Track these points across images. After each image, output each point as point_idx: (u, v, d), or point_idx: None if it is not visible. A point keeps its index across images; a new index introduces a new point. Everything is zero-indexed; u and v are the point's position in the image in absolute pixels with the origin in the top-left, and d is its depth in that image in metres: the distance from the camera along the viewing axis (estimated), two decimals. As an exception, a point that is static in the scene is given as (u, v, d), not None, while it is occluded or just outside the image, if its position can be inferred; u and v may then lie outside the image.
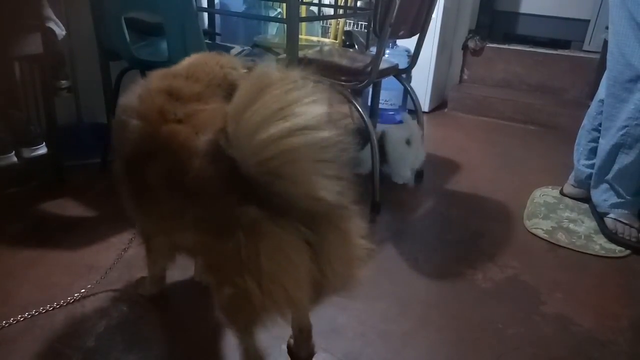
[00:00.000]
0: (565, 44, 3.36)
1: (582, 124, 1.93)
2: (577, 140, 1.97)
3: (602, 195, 1.79)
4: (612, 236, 1.70)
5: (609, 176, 1.76)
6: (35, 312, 1.18)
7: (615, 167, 1.72)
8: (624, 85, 1.64)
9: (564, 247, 1.66)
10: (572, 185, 2.01)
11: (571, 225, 1.80)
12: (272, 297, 0.81)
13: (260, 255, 0.78)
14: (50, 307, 1.20)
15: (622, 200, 1.73)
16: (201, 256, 0.95)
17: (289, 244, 0.79)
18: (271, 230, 0.77)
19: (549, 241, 1.69)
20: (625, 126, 1.65)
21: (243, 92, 0.75)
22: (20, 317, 1.17)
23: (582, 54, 3.20)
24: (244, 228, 0.78)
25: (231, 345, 1.15)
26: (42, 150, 1.76)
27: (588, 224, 1.81)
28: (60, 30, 1.82)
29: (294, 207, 0.76)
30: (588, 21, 3.24)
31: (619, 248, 1.66)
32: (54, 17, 1.80)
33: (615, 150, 1.71)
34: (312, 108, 0.73)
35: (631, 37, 1.58)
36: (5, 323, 1.15)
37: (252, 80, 0.76)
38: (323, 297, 0.89)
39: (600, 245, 1.68)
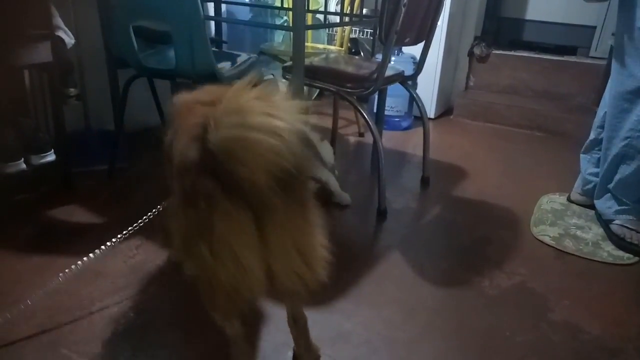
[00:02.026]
0: (571, 50, 3.35)
1: (592, 137, 1.93)
2: (582, 150, 1.97)
3: (606, 204, 1.79)
4: (619, 242, 1.69)
5: (611, 185, 1.75)
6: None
7: (617, 177, 1.71)
8: (625, 96, 1.64)
9: (572, 254, 1.65)
10: (579, 193, 2.00)
11: (578, 232, 1.79)
12: (223, 264, 0.89)
13: (213, 223, 0.88)
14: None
15: (626, 207, 1.73)
16: (178, 232, 1.01)
17: (238, 216, 0.88)
18: (223, 201, 0.87)
19: (556, 248, 1.68)
20: (628, 137, 1.64)
21: (232, 93, 0.86)
22: (29, 322, 1.18)
23: (588, 61, 3.19)
24: (204, 197, 0.88)
25: (237, 352, 1.15)
26: (51, 157, 1.77)
27: (595, 231, 1.80)
28: (69, 39, 1.84)
29: (245, 188, 0.85)
30: (594, 27, 3.23)
31: (627, 255, 1.65)
32: (63, 26, 1.83)
33: (618, 161, 1.70)
34: (287, 118, 0.82)
35: (633, 47, 1.58)
36: (13, 329, 1.16)
37: (239, 90, 0.86)
38: (279, 286, 0.95)
39: (608, 252, 1.67)
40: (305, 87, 1.77)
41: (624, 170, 1.68)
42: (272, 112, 0.83)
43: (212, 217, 0.88)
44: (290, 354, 1.14)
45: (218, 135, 0.83)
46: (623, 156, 1.68)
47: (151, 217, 1.38)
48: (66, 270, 1.29)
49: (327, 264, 0.99)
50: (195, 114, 0.98)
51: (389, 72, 1.89)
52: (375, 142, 1.86)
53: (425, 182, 2.18)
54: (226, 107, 0.85)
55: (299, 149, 0.83)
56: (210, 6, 2.51)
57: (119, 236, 1.35)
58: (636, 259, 1.63)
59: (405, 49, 2.84)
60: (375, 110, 2.34)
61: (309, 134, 0.88)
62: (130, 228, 1.37)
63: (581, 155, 1.98)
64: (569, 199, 2.04)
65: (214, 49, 2.12)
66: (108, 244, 1.32)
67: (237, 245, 0.90)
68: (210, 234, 0.89)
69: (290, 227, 0.93)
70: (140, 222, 1.38)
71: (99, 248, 1.32)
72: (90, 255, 1.29)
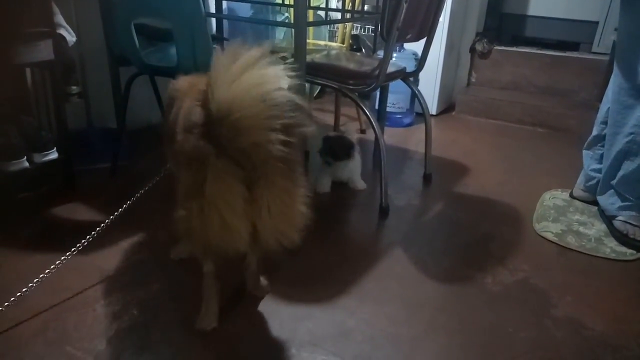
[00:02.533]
0: (573, 46, 3.34)
1: (595, 134, 1.92)
2: (585, 146, 1.97)
3: (609, 200, 1.78)
4: (622, 238, 1.69)
5: (614, 182, 1.75)
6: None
7: (620, 173, 1.71)
8: (629, 92, 1.63)
9: (574, 250, 1.65)
10: (582, 189, 1.99)
11: (581, 229, 1.79)
12: (209, 219, 0.99)
13: (205, 182, 0.97)
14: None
15: (629, 203, 1.72)
16: (178, 188, 1.10)
17: (228, 179, 0.97)
18: (216, 164, 0.96)
19: (558, 244, 1.68)
20: (631, 133, 1.64)
21: (221, 64, 0.93)
22: (33, 319, 1.18)
23: (590, 56, 3.18)
24: (199, 160, 0.98)
25: (241, 349, 1.15)
26: (53, 155, 1.77)
27: (598, 227, 1.80)
28: (70, 37, 1.84)
29: (239, 150, 0.94)
30: (597, 23, 3.22)
31: (629, 251, 1.65)
32: (65, 24, 1.83)
33: (621, 157, 1.70)
34: (277, 83, 0.91)
35: (636, 44, 1.57)
36: (18, 326, 1.16)
37: (228, 57, 0.93)
38: (261, 243, 1.04)
39: (611, 248, 1.66)
40: (306, 84, 1.77)
41: (628, 167, 1.68)
42: (263, 77, 0.91)
43: (204, 179, 0.97)
44: (294, 350, 1.15)
45: (215, 96, 0.91)
46: (627, 152, 1.67)
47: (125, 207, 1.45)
48: (57, 262, 1.29)
49: (304, 228, 1.07)
50: (194, 90, 1.09)
51: (390, 69, 1.89)
52: (377, 138, 1.86)
53: (427, 178, 2.18)
54: (222, 73, 0.92)
55: (288, 111, 0.92)
56: (212, 3, 2.51)
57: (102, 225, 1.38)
58: (639, 255, 1.63)
59: (407, 45, 2.83)
60: (377, 107, 2.34)
61: (296, 98, 0.95)
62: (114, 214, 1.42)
63: (584, 151, 1.97)
64: (571, 195, 2.03)
65: (215, 46, 2.11)
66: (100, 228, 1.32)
67: (225, 208, 0.98)
68: (202, 194, 0.98)
69: (279, 190, 1.01)
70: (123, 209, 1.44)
71: (89, 238, 1.34)
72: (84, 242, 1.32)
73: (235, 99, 0.91)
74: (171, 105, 1.24)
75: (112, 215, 1.41)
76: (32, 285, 1.25)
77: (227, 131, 0.92)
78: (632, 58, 1.60)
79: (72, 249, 1.34)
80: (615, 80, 1.70)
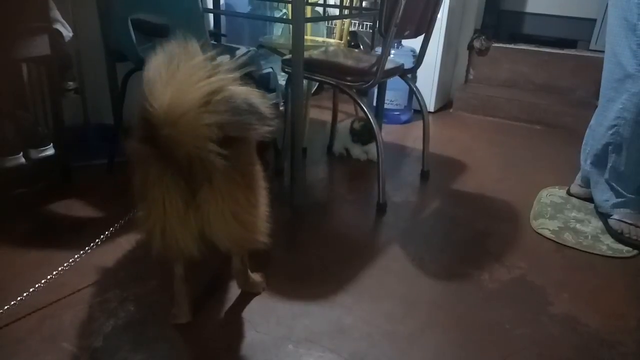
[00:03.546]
0: (571, 44, 3.34)
1: (590, 124, 1.92)
2: (584, 140, 1.96)
3: (603, 196, 1.78)
4: (618, 237, 1.69)
5: (606, 176, 1.75)
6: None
7: (609, 166, 1.72)
8: (613, 84, 1.64)
9: (571, 248, 1.65)
10: (579, 185, 1.99)
11: (578, 226, 1.79)
12: (154, 228, 0.99)
13: (147, 186, 0.97)
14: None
15: (623, 199, 1.73)
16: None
17: (169, 183, 0.95)
18: (156, 168, 0.95)
19: (555, 241, 1.68)
20: (615, 125, 1.65)
21: (157, 66, 0.92)
22: (29, 316, 1.18)
23: (588, 54, 3.18)
24: (141, 164, 0.98)
25: (238, 346, 1.15)
26: (50, 151, 1.77)
27: (595, 224, 1.80)
28: (67, 32, 1.83)
29: (179, 157, 0.91)
30: (594, 20, 3.22)
31: (626, 248, 1.65)
32: (61, 19, 1.82)
33: (607, 149, 1.70)
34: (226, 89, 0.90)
35: (622, 36, 1.58)
36: (14, 322, 1.16)
37: (165, 58, 0.93)
38: (216, 246, 1.03)
39: (608, 245, 1.67)
40: (304, 81, 1.77)
41: (615, 160, 1.70)
42: (201, 80, 0.88)
43: (147, 183, 0.97)
44: (291, 347, 1.15)
45: (151, 103, 0.88)
46: (612, 144, 1.69)
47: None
48: (65, 265, 1.29)
49: (266, 229, 1.07)
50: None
51: (388, 65, 1.88)
52: (375, 135, 1.86)
53: (424, 175, 2.18)
54: (158, 77, 0.90)
55: (232, 114, 0.88)
56: (209, -1, 2.50)
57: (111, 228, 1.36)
58: (635, 252, 1.63)
59: (405, 42, 2.83)
60: (374, 104, 2.33)
61: (248, 98, 0.93)
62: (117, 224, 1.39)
63: (582, 148, 1.97)
64: (568, 193, 2.04)
65: (212, 42, 2.10)
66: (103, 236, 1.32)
67: (163, 213, 0.98)
68: (146, 198, 0.99)
69: (225, 196, 0.98)
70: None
71: (96, 242, 1.33)
72: (87, 249, 1.30)
73: (171, 108, 0.87)
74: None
75: (111, 214, 1.40)
76: (39, 286, 1.25)
77: (164, 139, 0.89)
78: (618, 49, 1.60)
79: (81, 252, 1.34)
80: (603, 74, 1.71)
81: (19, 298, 1.19)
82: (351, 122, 2.33)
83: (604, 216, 1.80)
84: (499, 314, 1.31)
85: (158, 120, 0.88)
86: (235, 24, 3.07)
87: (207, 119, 0.87)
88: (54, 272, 1.28)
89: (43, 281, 1.25)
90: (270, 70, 2.08)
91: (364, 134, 2.27)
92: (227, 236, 1.02)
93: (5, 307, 1.17)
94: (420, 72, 2.38)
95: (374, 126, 1.83)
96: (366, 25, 3.27)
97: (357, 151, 2.34)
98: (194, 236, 1.00)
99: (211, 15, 2.49)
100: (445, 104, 3.36)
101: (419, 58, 2.10)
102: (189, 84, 0.88)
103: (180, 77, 0.89)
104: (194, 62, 0.91)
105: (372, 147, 2.26)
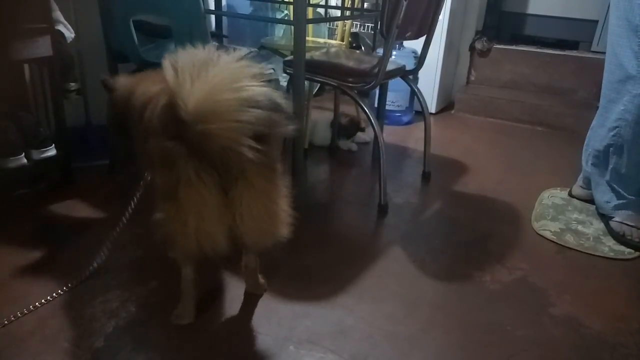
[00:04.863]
0: (573, 45, 3.34)
1: (591, 125, 1.92)
2: (585, 141, 1.96)
3: (604, 197, 1.78)
4: (620, 239, 1.69)
5: (607, 177, 1.75)
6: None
7: (610, 167, 1.72)
8: (614, 85, 1.64)
9: (573, 249, 1.65)
10: (581, 186, 1.99)
11: (580, 227, 1.79)
12: (186, 227, 0.98)
13: (179, 185, 0.96)
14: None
15: (624, 200, 1.72)
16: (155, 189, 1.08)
17: (202, 181, 0.95)
18: (188, 166, 0.95)
19: (557, 243, 1.68)
20: (616, 127, 1.65)
21: (182, 67, 0.92)
22: (30, 316, 1.18)
23: (590, 55, 3.18)
24: (171, 162, 0.96)
25: (240, 347, 1.15)
26: (52, 152, 1.77)
27: (597, 226, 1.80)
28: (69, 33, 1.83)
29: (213, 152, 0.93)
30: (596, 22, 3.22)
31: (628, 250, 1.65)
32: (63, 20, 1.82)
33: (608, 151, 1.70)
34: (252, 87, 0.91)
35: (624, 37, 1.57)
36: (16, 322, 1.16)
37: (190, 58, 0.93)
38: (244, 243, 1.05)
39: (609, 247, 1.67)
40: (306, 82, 1.77)
41: (617, 161, 1.69)
42: (233, 79, 0.90)
43: (178, 182, 0.96)
44: (292, 348, 1.15)
45: (183, 102, 0.89)
46: (613, 146, 1.68)
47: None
48: (74, 283, 1.29)
49: (289, 224, 1.08)
50: (156, 90, 1.06)
51: (390, 67, 1.88)
52: (376, 136, 1.86)
53: (426, 177, 2.18)
54: (188, 76, 0.90)
55: (264, 114, 0.91)
56: (211, 0, 2.50)
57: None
58: (637, 253, 1.63)
59: (406, 43, 2.83)
60: (376, 105, 2.33)
61: (274, 97, 0.95)
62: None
63: (584, 149, 1.97)
64: (570, 194, 2.03)
65: (214, 43, 2.11)
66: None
67: (198, 213, 0.98)
68: (176, 197, 0.97)
69: (257, 192, 1.00)
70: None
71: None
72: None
73: (204, 105, 0.89)
74: (118, 102, 1.26)
75: (114, 216, 1.40)
76: (55, 296, 1.26)
77: (197, 136, 0.90)
78: (619, 50, 1.60)
79: (90, 268, 1.35)
80: (604, 75, 1.71)
81: (35, 304, 1.20)
82: (337, 118, 2.47)
83: (605, 218, 1.80)
84: (500, 315, 1.31)
85: (191, 117, 0.89)
86: (237, 25, 3.08)
87: (240, 115, 0.89)
88: (68, 285, 1.27)
89: (59, 291, 1.25)
90: (272, 71, 2.08)
91: (349, 129, 2.49)
92: (258, 230, 1.03)
93: (7, 308, 1.17)
94: (421, 73, 2.38)
95: (375, 128, 1.83)
96: (367, 26, 3.28)
97: (345, 144, 2.50)
98: (225, 233, 1.01)
99: (213, 16, 2.50)
100: (446, 105, 3.36)
101: (420, 59, 2.10)
102: (219, 83, 0.90)
103: (209, 76, 0.90)
104: (221, 62, 0.92)
105: (356, 136, 2.56)
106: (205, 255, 1.02)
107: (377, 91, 2.32)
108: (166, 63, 0.94)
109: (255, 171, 0.98)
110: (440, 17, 2.26)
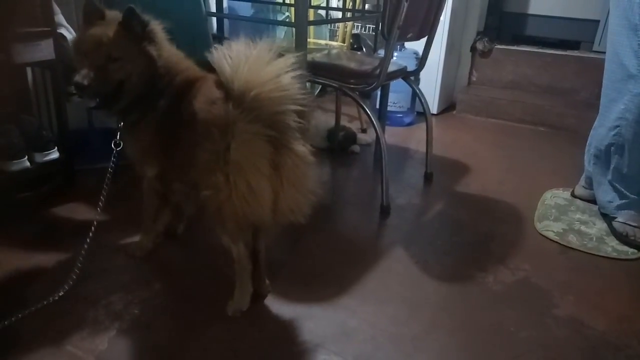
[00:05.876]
0: (574, 45, 3.34)
1: (594, 125, 1.92)
2: (588, 141, 1.96)
3: (606, 197, 1.78)
4: (623, 239, 1.69)
5: (609, 177, 1.74)
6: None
7: (612, 167, 1.71)
8: (615, 84, 1.64)
9: (576, 250, 1.64)
10: (583, 186, 1.99)
11: (582, 227, 1.78)
12: (236, 185, 1.05)
13: (229, 149, 1.04)
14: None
15: (627, 200, 1.72)
16: (196, 168, 1.14)
17: (256, 140, 1.04)
18: (244, 127, 1.03)
19: (560, 243, 1.68)
20: (617, 126, 1.65)
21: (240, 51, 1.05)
22: (33, 319, 1.18)
23: (591, 55, 3.18)
24: (222, 128, 1.05)
25: (242, 349, 1.15)
26: (54, 155, 1.77)
27: (600, 226, 1.80)
28: (71, 36, 1.84)
29: (262, 117, 1.03)
30: (597, 22, 3.21)
31: (631, 250, 1.65)
32: (65, 23, 1.82)
33: (610, 150, 1.70)
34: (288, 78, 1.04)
35: (624, 37, 1.57)
36: (18, 324, 1.16)
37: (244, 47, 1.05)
38: (278, 216, 1.10)
39: (612, 247, 1.66)
40: (307, 83, 1.77)
41: (618, 161, 1.69)
42: (277, 62, 1.03)
43: (227, 147, 1.04)
44: (294, 350, 1.15)
45: (238, 75, 1.02)
46: (614, 145, 1.68)
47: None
48: (71, 282, 1.30)
49: (314, 202, 1.14)
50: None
51: (391, 68, 1.88)
52: (378, 138, 1.86)
53: (428, 178, 2.18)
54: (242, 57, 1.03)
55: (303, 90, 1.04)
56: (212, 2, 2.51)
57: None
58: (641, 254, 1.63)
59: (407, 44, 2.83)
60: (377, 106, 2.33)
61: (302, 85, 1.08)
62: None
63: (586, 149, 1.97)
64: (572, 194, 2.03)
65: (215, 45, 2.11)
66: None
67: (253, 170, 1.05)
68: (226, 162, 1.04)
69: (298, 158, 1.08)
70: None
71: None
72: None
73: (256, 77, 1.02)
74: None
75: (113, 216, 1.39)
76: (57, 298, 1.25)
77: (250, 102, 1.01)
78: (619, 49, 1.60)
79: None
80: (605, 74, 1.71)
81: (43, 303, 1.20)
82: (338, 124, 2.49)
83: (608, 218, 1.79)
84: (504, 316, 1.30)
85: (243, 89, 1.02)
86: (238, 28, 3.08)
87: (286, 86, 1.02)
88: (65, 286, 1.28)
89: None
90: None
91: (343, 143, 2.48)
92: (291, 200, 1.09)
93: (10, 311, 1.17)
94: (423, 74, 2.38)
95: (377, 129, 1.83)
96: (369, 27, 3.28)
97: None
98: (271, 198, 1.07)
99: (214, 19, 2.50)
100: (448, 106, 3.36)
101: (421, 60, 2.10)
102: (263, 63, 1.03)
103: (255, 59, 1.03)
104: (262, 50, 1.05)
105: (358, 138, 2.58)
106: (252, 223, 1.11)
107: (379, 92, 2.32)
108: (218, 53, 1.06)
109: (297, 140, 1.07)
110: (442, 18, 2.26)
